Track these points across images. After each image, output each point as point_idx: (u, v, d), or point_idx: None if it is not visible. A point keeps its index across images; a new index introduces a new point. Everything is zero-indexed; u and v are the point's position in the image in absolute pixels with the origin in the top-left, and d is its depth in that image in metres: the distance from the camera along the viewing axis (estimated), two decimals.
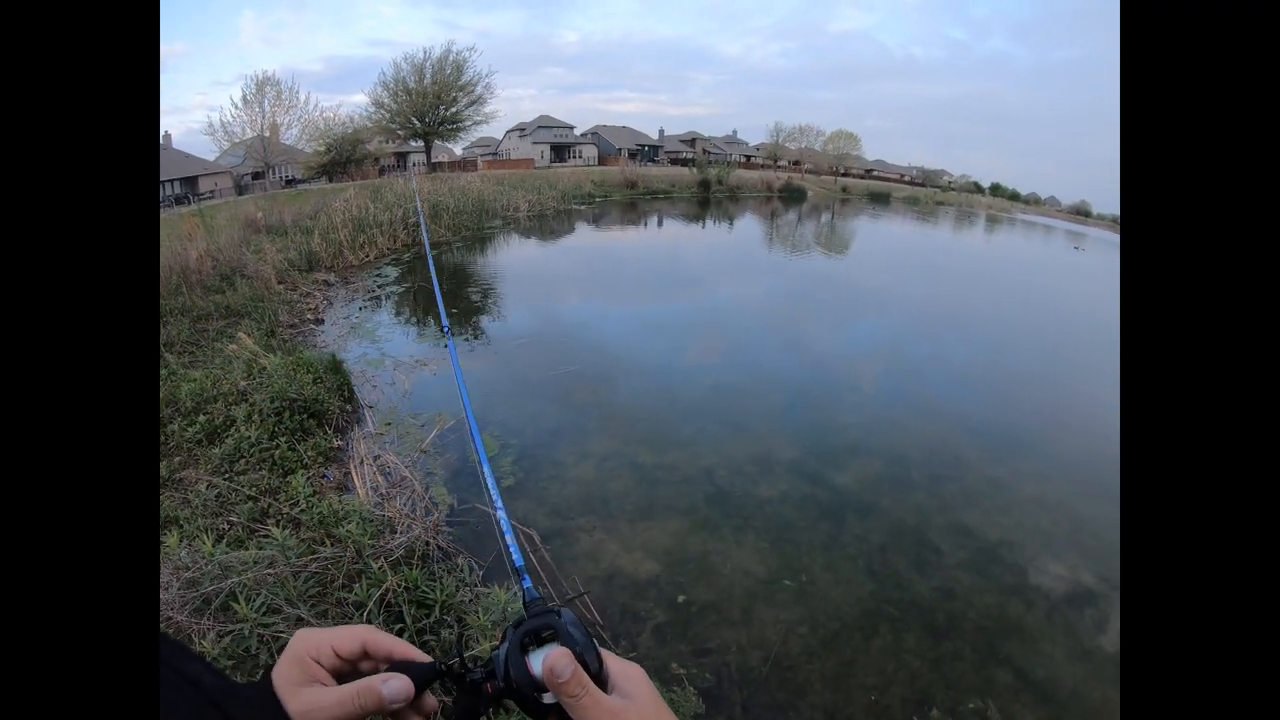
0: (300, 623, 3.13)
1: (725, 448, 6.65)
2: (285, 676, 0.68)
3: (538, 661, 0.71)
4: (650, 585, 4.57)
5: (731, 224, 32.32)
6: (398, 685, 0.71)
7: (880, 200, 60.39)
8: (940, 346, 11.52)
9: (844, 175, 79.49)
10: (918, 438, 7.31)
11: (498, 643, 0.76)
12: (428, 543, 4.46)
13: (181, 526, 4.26)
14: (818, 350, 10.74)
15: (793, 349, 10.68)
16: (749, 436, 7.01)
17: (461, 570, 4.35)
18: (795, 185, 55.95)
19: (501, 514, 1.11)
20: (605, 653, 0.74)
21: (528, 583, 0.85)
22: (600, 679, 0.71)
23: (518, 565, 0.87)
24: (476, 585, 4.15)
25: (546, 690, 0.69)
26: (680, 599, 4.44)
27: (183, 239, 12.89)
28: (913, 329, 12.60)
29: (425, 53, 48.47)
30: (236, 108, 47.24)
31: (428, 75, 47.99)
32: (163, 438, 5.66)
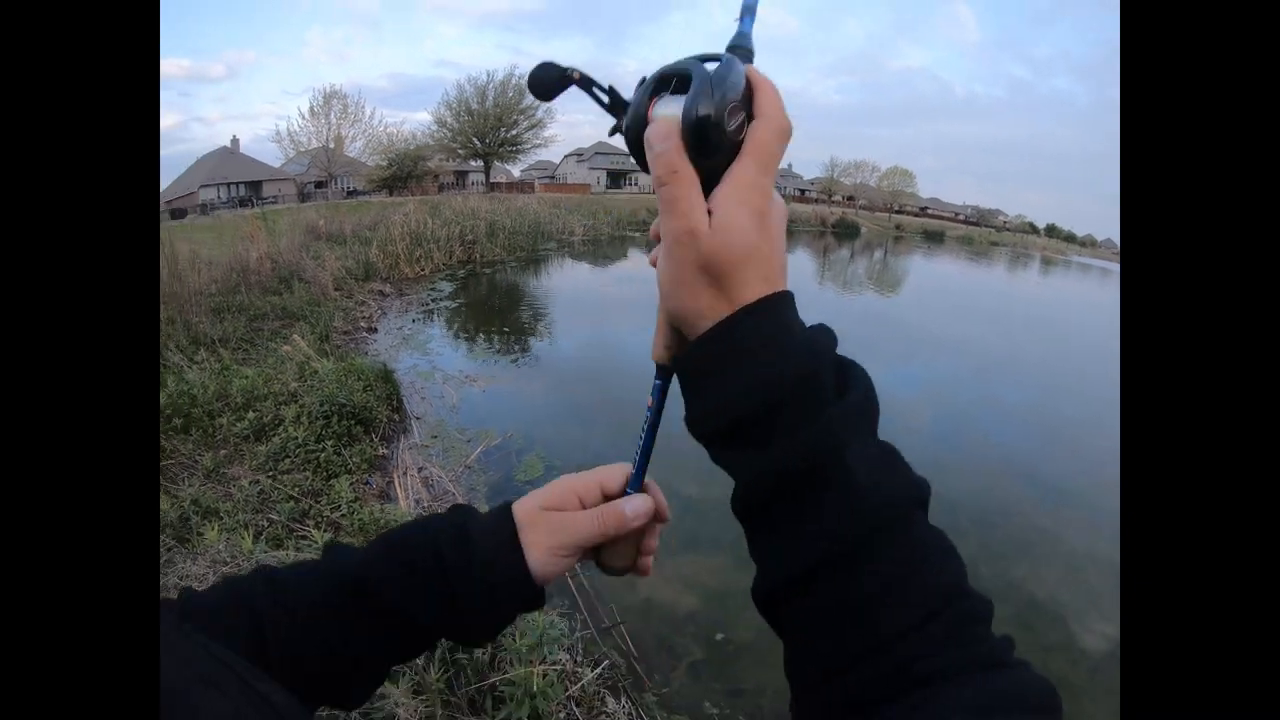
0: None
1: None
2: (527, 507, 0.71)
3: (660, 107, 0.55)
4: (688, 620, 4.44)
5: None
6: (639, 503, 0.74)
7: (935, 239, 59.75)
8: (992, 389, 11.19)
9: (898, 212, 79.06)
10: (967, 483, 7.04)
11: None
12: None
13: (222, 519, 4.25)
14: None
15: None
16: None
17: None
18: (849, 221, 55.75)
19: None
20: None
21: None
22: (731, 148, 0.53)
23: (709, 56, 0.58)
24: None
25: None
26: (718, 637, 4.29)
27: (245, 240, 13.16)
28: (964, 371, 12.27)
29: (488, 75, 49.67)
30: (304, 118, 48.75)
31: (490, 97, 49.01)
32: (212, 430, 5.71)
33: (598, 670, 3.66)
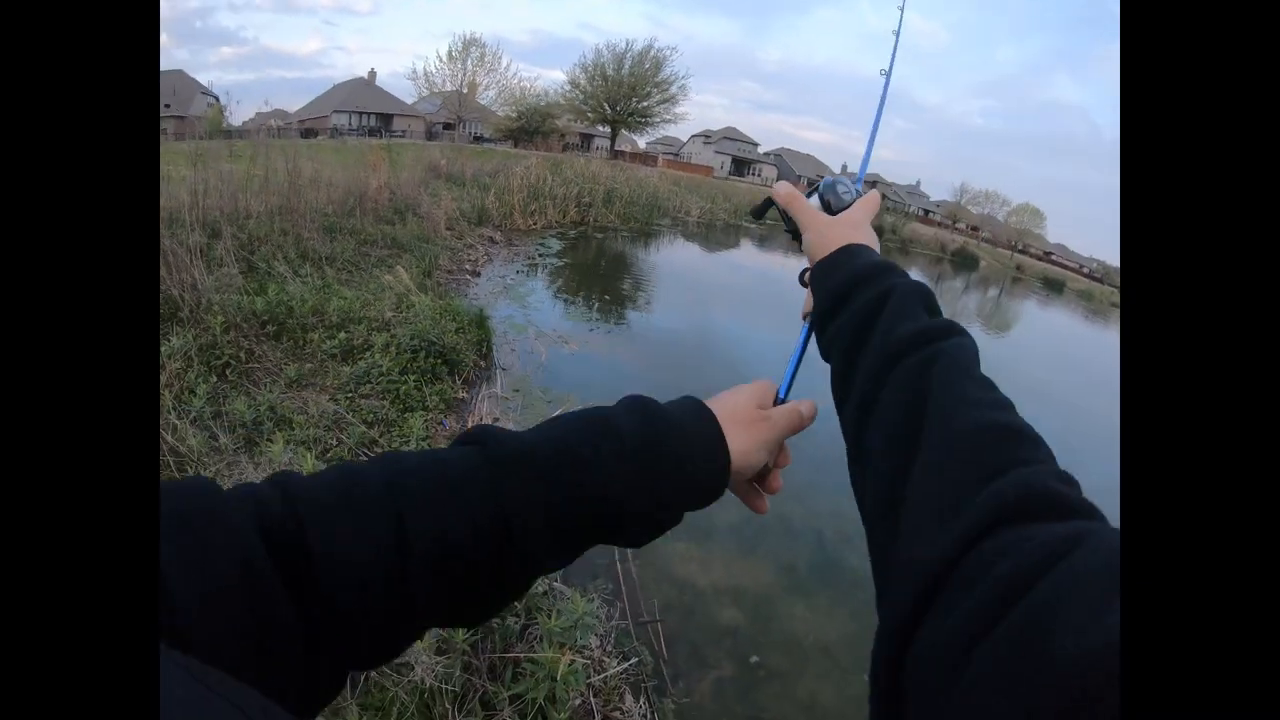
0: None
1: (843, 511, 6.19)
2: (716, 407, 0.79)
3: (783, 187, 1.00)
4: (726, 634, 4.25)
5: None
6: (809, 405, 0.86)
7: (1054, 287, 57.06)
8: (1072, 456, 10.53)
9: (1021, 252, 76.01)
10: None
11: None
12: None
13: (294, 430, 4.24)
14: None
15: None
16: None
17: None
18: (969, 252, 53.98)
19: None
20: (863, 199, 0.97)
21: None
22: (834, 211, 0.94)
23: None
24: (555, 580, 3.92)
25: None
26: (753, 659, 4.08)
27: (368, 168, 13.43)
28: (1054, 428, 11.61)
29: (628, 44, 49.82)
30: (441, 61, 49.80)
31: (626, 66, 49.20)
32: (302, 342, 5.76)
33: (625, 665, 3.51)
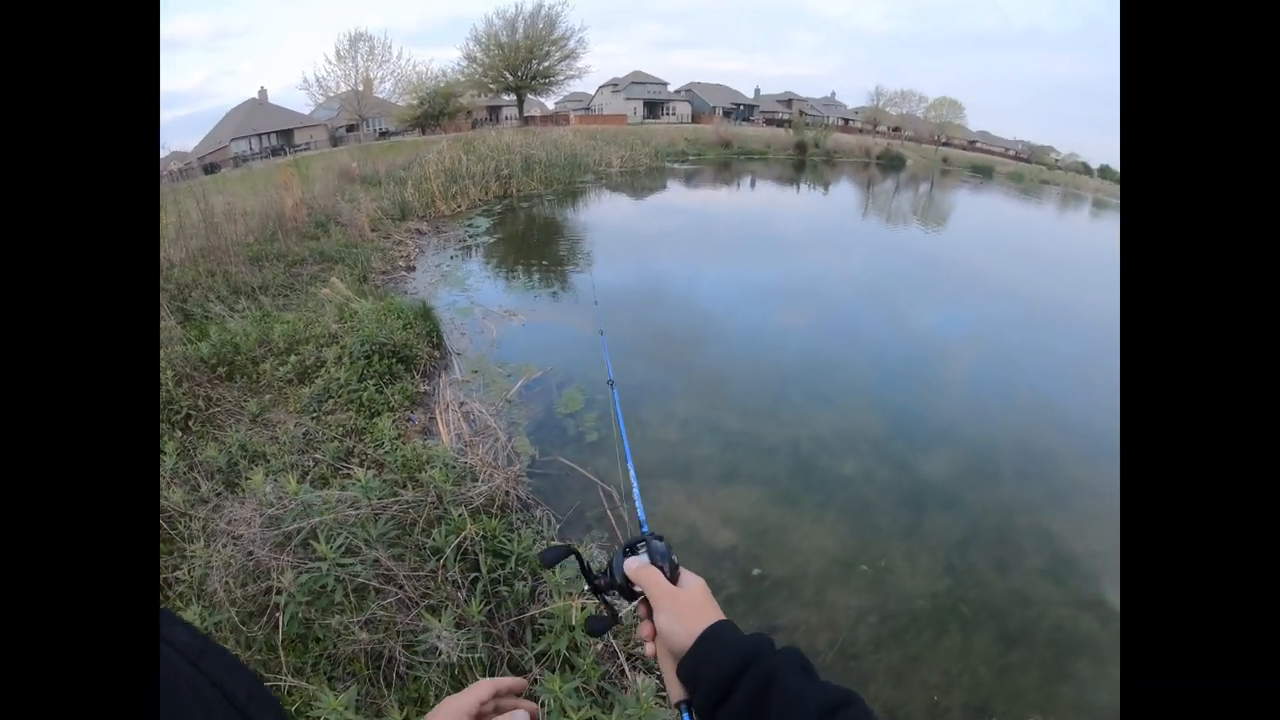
0: (377, 564, 3.09)
1: (810, 419, 6.43)
2: None
3: (634, 563, 1.01)
4: (726, 555, 4.45)
5: (826, 189, 31.59)
6: (521, 715, 0.93)
7: (983, 174, 57.59)
8: (1038, 336, 10.78)
9: (945, 145, 76.50)
10: (1006, 429, 6.89)
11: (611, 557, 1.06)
12: (508, 493, 4.42)
13: (269, 463, 4.31)
14: (910, 329, 10.19)
15: (885, 326, 10.23)
16: (836, 411, 6.75)
17: (539, 523, 4.29)
18: (894, 153, 54.21)
19: (635, 488, 1.41)
20: (683, 569, 1.01)
21: (645, 525, 1.19)
22: (673, 579, 0.98)
23: (644, 531, 1.11)
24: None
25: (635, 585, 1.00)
26: (755, 572, 4.30)
27: (279, 188, 13.19)
28: (1010, 316, 11.86)
29: (517, 7, 48.76)
30: (330, 63, 48.41)
31: (520, 30, 48.08)
32: (255, 376, 5.77)
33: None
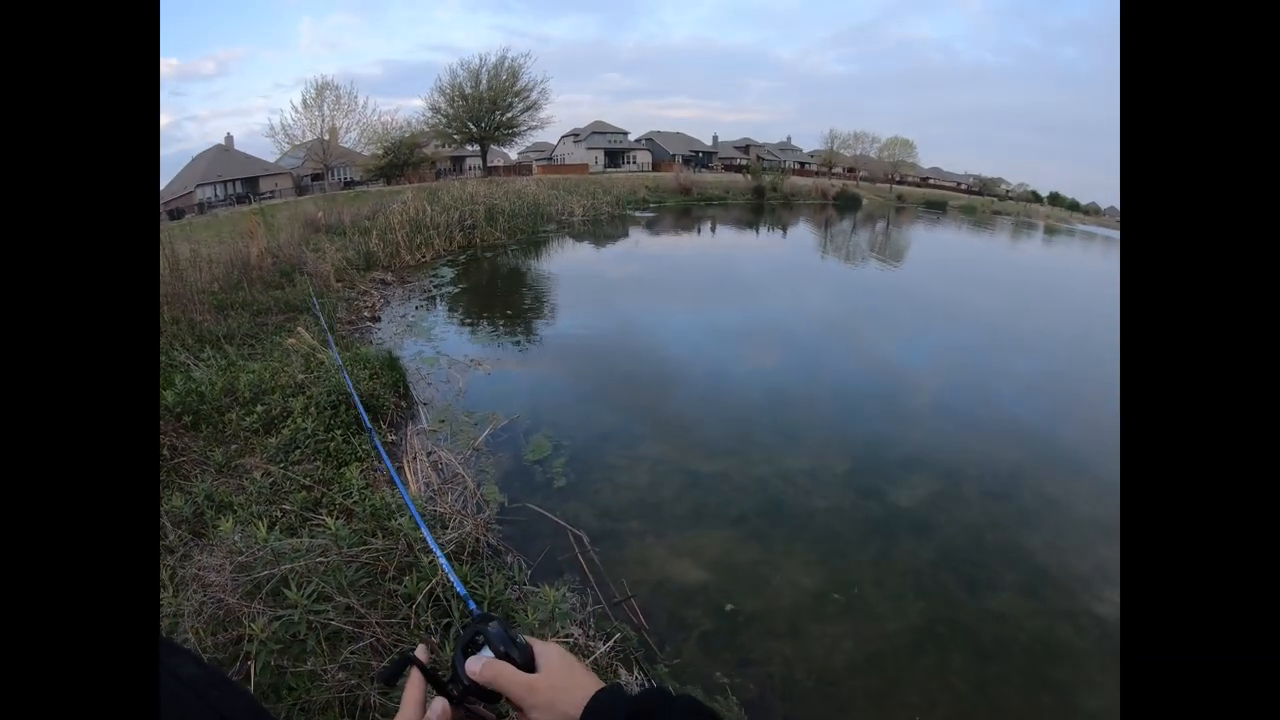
0: (349, 612, 3.11)
1: (778, 457, 6.52)
2: None
3: (476, 664, 0.89)
4: (698, 592, 4.49)
5: (785, 231, 32.12)
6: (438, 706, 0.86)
7: (937, 208, 59.27)
8: (1000, 359, 11.15)
9: (899, 183, 78.34)
10: (973, 452, 7.07)
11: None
12: (478, 539, 4.44)
13: (236, 512, 4.29)
14: (874, 362, 10.44)
15: (848, 360, 10.46)
16: (802, 447, 6.85)
17: (510, 568, 4.32)
18: (850, 193, 55.44)
19: (437, 551, 1.31)
20: (531, 639, 0.93)
21: (471, 604, 1.23)
22: (530, 664, 0.89)
23: (474, 614, 1.08)
24: (525, 584, 4.12)
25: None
26: (728, 608, 4.34)
27: (244, 236, 13.19)
28: (971, 342, 12.23)
29: (481, 59, 49.28)
30: (297, 111, 48.48)
31: (484, 81, 48.70)
32: (221, 425, 5.75)
33: (610, 643, 3.74)
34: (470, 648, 0.92)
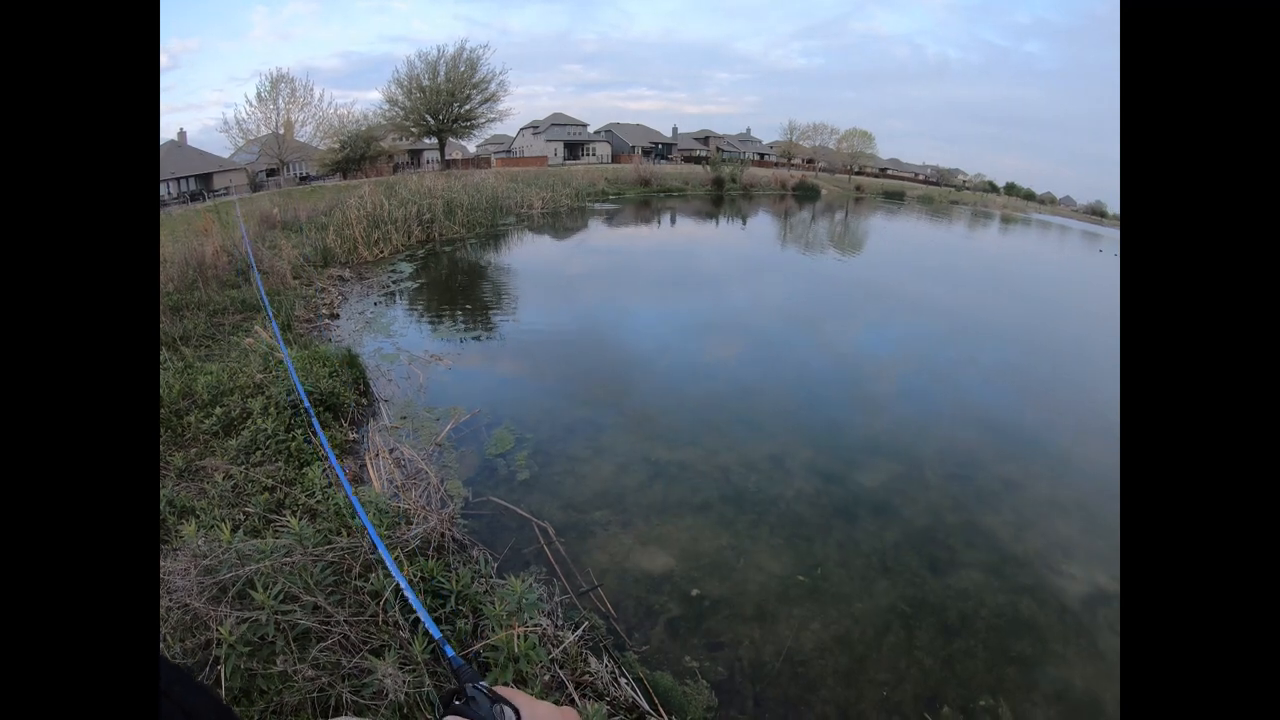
0: (317, 611, 3.13)
1: (741, 446, 6.62)
2: None
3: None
4: (664, 580, 4.57)
5: (745, 222, 32.25)
6: None
7: (895, 198, 60.09)
8: (961, 348, 11.42)
9: (858, 174, 78.97)
10: (932, 436, 7.28)
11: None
12: (443, 534, 4.46)
13: (199, 516, 4.27)
14: (835, 351, 10.65)
15: (809, 350, 10.61)
16: (764, 435, 6.98)
17: (477, 562, 4.34)
18: (809, 183, 55.80)
19: (402, 581, 1.22)
20: (513, 693, 0.89)
21: (452, 654, 1.15)
22: None
23: (435, 637, 1.02)
24: (491, 577, 4.15)
25: None
26: (694, 593, 4.43)
27: (198, 235, 12.96)
28: (932, 331, 12.49)
29: (439, 50, 48.67)
30: (251, 105, 47.45)
31: (441, 73, 48.12)
32: (180, 429, 5.68)
33: (578, 632, 3.81)
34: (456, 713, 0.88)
